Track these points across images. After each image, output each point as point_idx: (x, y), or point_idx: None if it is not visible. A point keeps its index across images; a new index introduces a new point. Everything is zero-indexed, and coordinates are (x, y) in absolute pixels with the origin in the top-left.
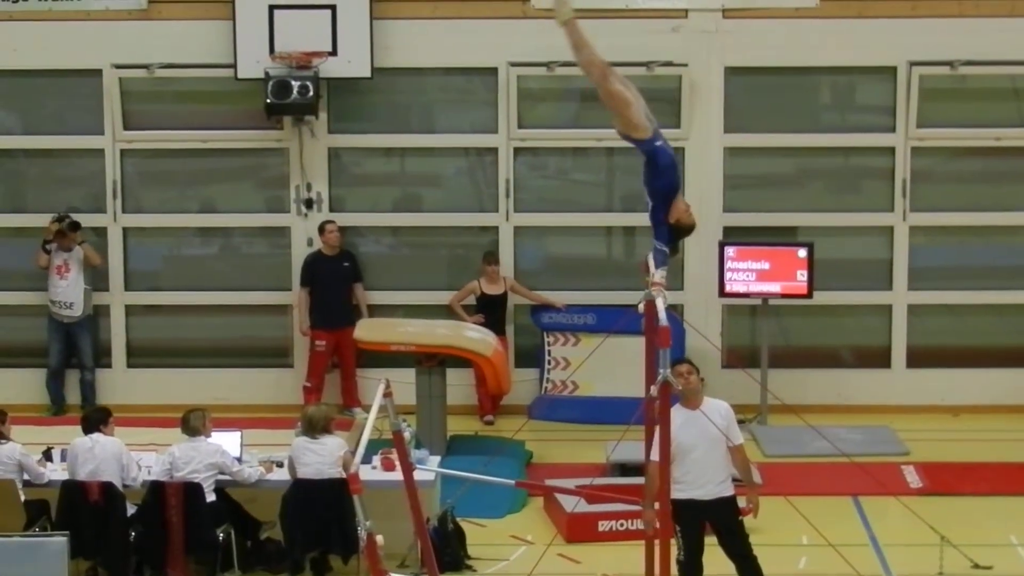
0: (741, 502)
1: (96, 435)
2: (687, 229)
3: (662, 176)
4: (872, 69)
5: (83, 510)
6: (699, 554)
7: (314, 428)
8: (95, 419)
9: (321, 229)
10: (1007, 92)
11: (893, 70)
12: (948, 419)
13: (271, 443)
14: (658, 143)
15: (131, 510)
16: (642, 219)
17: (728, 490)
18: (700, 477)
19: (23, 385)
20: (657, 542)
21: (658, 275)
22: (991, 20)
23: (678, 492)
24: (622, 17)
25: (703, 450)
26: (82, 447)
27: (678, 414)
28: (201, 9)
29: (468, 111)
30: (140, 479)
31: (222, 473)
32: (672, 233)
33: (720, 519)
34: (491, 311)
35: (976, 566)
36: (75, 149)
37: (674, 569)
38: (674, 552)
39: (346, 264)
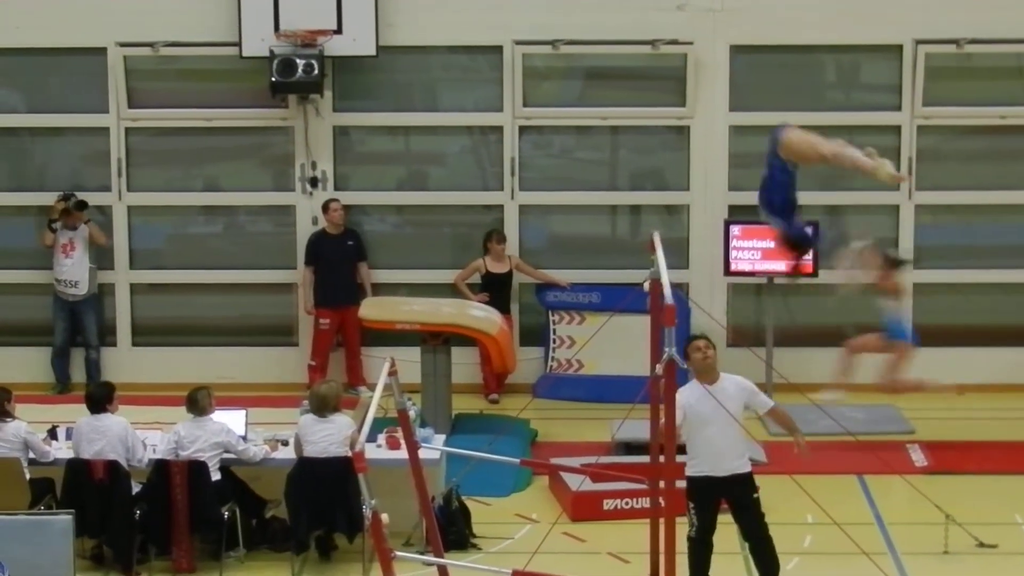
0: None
1: (102, 414)
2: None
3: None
4: (878, 47)
5: (88, 488)
6: (710, 532)
7: (325, 407)
8: (101, 398)
9: (325, 207)
10: (1013, 70)
11: (899, 48)
12: (953, 398)
13: (276, 422)
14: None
15: (136, 488)
16: (646, 197)
17: (744, 467)
18: (716, 453)
19: (28, 363)
20: (663, 520)
21: None
22: None
23: (693, 469)
24: None
25: (719, 426)
26: (88, 426)
27: (694, 389)
28: None
29: (473, 89)
30: (145, 459)
31: (227, 452)
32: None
33: (735, 496)
34: (496, 290)
35: (981, 544)
36: (79, 127)
37: (682, 546)
38: (683, 529)
39: (350, 243)
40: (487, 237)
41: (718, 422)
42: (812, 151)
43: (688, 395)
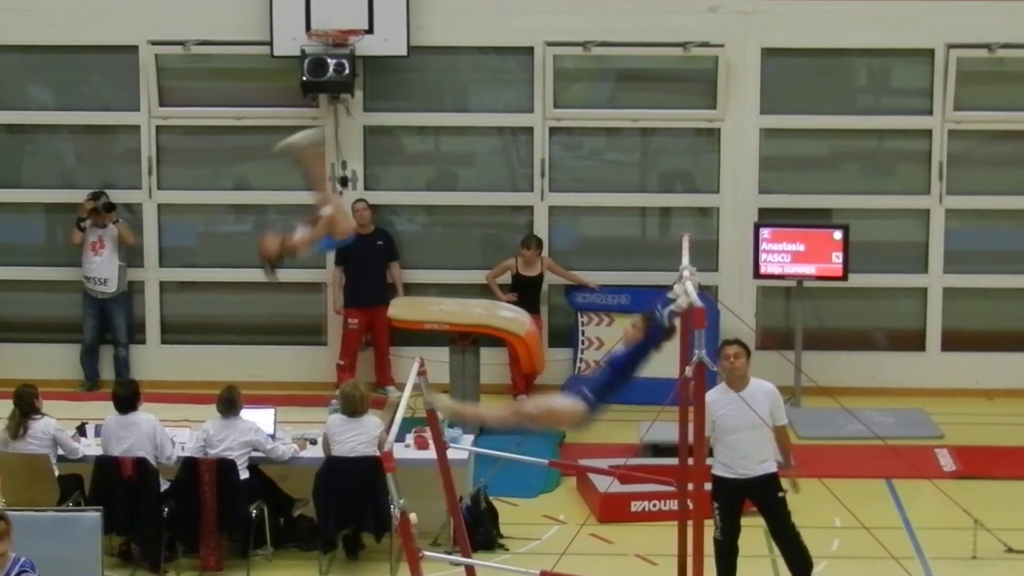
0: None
1: (132, 412)
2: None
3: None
4: (909, 51)
5: (116, 486)
6: (736, 533)
7: (353, 407)
8: (129, 398)
9: (356, 208)
10: None
11: (931, 52)
12: (982, 403)
13: (304, 420)
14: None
15: (164, 486)
16: (676, 199)
17: (770, 468)
18: (741, 456)
19: (58, 360)
20: (691, 523)
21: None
22: None
23: (719, 469)
24: None
25: (745, 431)
26: (116, 423)
27: (723, 395)
28: None
29: (503, 90)
30: (174, 456)
31: (256, 450)
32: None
33: (760, 497)
34: (526, 291)
35: (1010, 550)
36: (111, 125)
37: (709, 548)
38: (710, 532)
39: (380, 243)
40: (523, 242)
41: (745, 427)
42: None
43: (716, 400)
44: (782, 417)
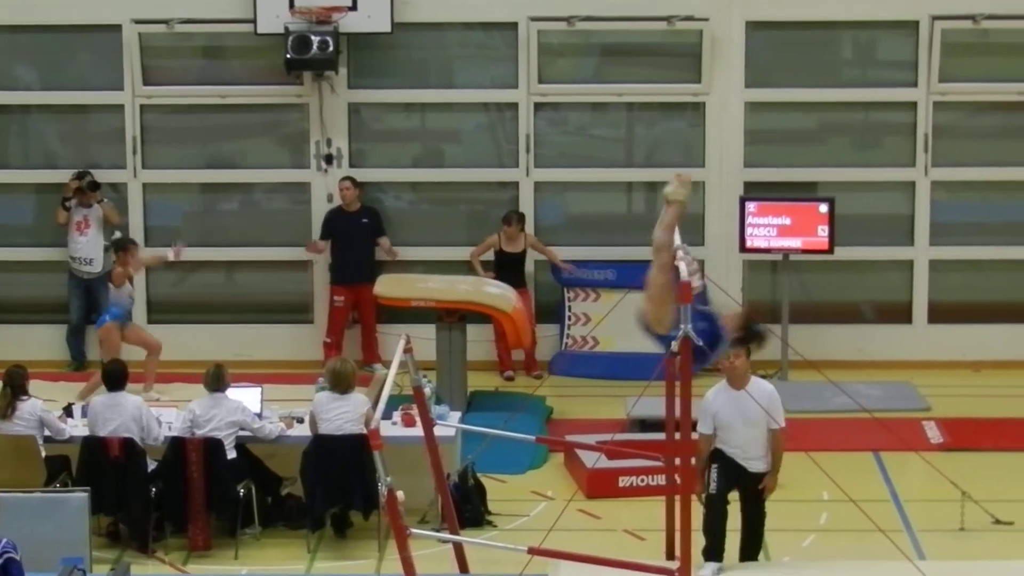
0: None
1: (117, 393)
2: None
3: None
4: (894, 23)
5: (104, 466)
6: (728, 492)
7: (341, 384)
8: (119, 375)
9: (345, 185)
10: None
11: (915, 24)
12: (969, 375)
13: (291, 398)
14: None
15: (152, 466)
16: (662, 174)
17: (761, 467)
18: (739, 454)
19: (44, 341)
20: (678, 497)
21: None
22: None
23: (721, 445)
24: None
25: (741, 430)
26: (103, 405)
27: (722, 393)
28: None
29: (488, 66)
30: (161, 437)
31: (243, 429)
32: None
33: (746, 486)
34: (510, 267)
35: (997, 521)
36: (94, 105)
37: (698, 523)
38: (698, 508)
39: (365, 220)
40: (505, 218)
41: (743, 425)
42: (660, 291)
43: (715, 398)
44: (779, 419)
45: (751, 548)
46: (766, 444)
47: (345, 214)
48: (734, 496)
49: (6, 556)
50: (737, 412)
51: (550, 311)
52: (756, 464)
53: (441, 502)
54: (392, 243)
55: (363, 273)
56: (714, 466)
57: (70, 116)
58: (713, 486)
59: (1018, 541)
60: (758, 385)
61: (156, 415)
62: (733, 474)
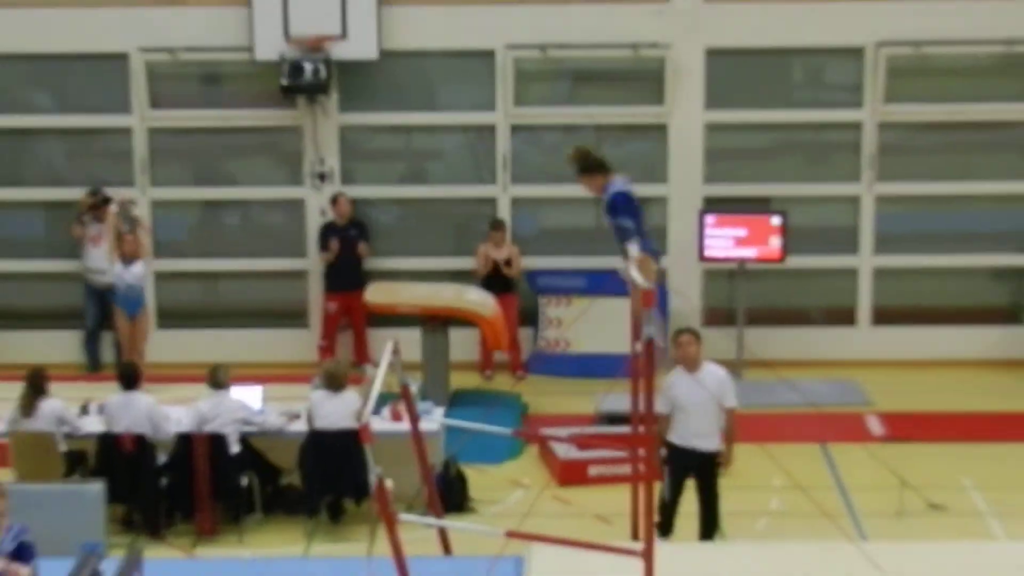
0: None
1: (131, 392)
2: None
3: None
4: (841, 50)
5: (118, 460)
6: (679, 494)
7: (335, 383)
8: (132, 375)
9: (334, 201)
10: (967, 70)
11: (861, 50)
12: (909, 372)
13: (289, 397)
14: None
15: (162, 459)
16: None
17: (713, 445)
18: (693, 433)
19: (63, 345)
20: (641, 485)
21: (633, 250)
22: (952, 3)
23: (673, 439)
24: (611, 2)
25: (696, 410)
26: (117, 403)
27: (679, 377)
28: None
29: (468, 91)
30: (171, 432)
31: (248, 424)
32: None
33: (701, 467)
34: (495, 272)
35: (932, 506)
36: (105, 128)
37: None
38: (658, 492)
39: (354, 232)
40: (492, 224)
41: (696, 407)
42: None
43: (673, 380)
44: (731, 400)
45: (708, 529)
46: (718, 423)
47: (337, 227)
48: (691, 483)
49: (20, 539)
50: (692, 393)
51: (525, 316)
52: (709, 441)
53: (426, 490)
54: (380, 254)
55: (354, 281)
56: (667, 470)
57: (83, 138)
58: (667, 493)
59: (951, 524)
60: (711, 369)
61: (168, 412)
62: (683, 474)
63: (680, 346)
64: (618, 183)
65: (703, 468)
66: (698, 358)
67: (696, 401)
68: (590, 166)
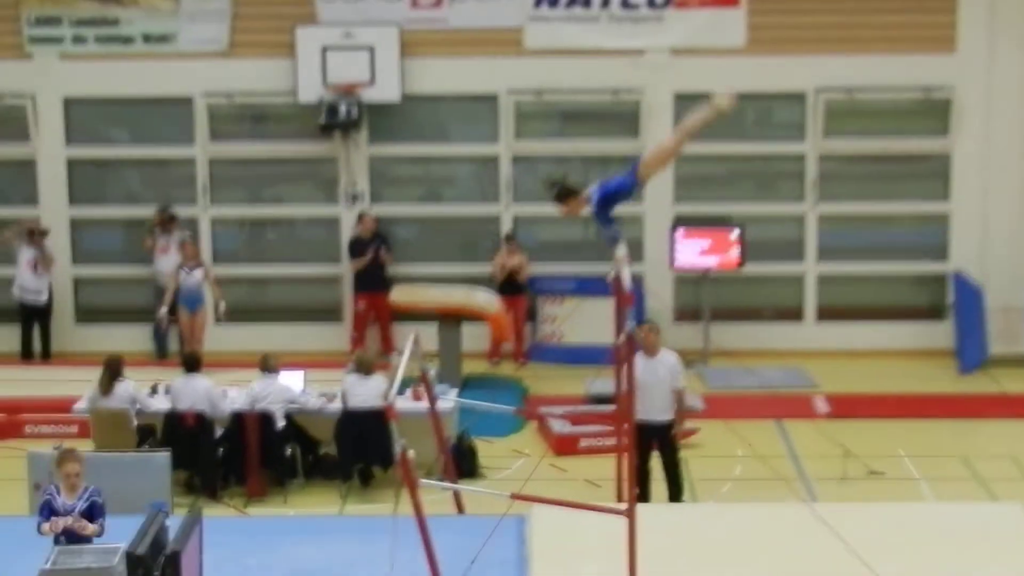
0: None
1: (193, 375)
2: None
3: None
4: (787, 95)
5: (181, 434)
6: (647, 461)
7: (365, 368)
8: (195, 362)
9: (360, 218)
10: (891, 112)
11: (803, 95)
12: (848, 360)
13: (326, 379)
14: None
15: (219, 433)
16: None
17: (666, 417)
18: (651, 406)
19: (136, 336)
20: (625, 455)
21: (620, 251)
22: (879, 56)
23: (638, 415)
24: (594, 55)
25: (654, 387)
26: (181, 385)
27: (640, 360)
28: (270, 49)
29: (476, 127)
30: (227, 410)
31: (292, 403)
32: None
33: (661, 436)
34: (508, 277)
35: (872, 472)
36: (173, 158)
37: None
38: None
39: (377, 244)
40: (507, 237)
41: (653, 385)
42: (664, 154)
43: (636, 363)
44: (679, 381)
45: (674, 490)
46: (670, 399)
47: (364, 241)
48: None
49: (92, 499)
50: (649, 374)
51: (528, 313)
52: (664, 415)
53: (443, 459)
54: (402, 261)
55: (379, 284)
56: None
57: (154, 167)
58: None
59: (888, 487)
60: (666, 355)
61: (225, 392)
62: (649, 443)
63: (641, 335)
64: (592, 189)
65: (662, 437)
66: (656, 345)
67: (652, 382)
68: (564, 193)
